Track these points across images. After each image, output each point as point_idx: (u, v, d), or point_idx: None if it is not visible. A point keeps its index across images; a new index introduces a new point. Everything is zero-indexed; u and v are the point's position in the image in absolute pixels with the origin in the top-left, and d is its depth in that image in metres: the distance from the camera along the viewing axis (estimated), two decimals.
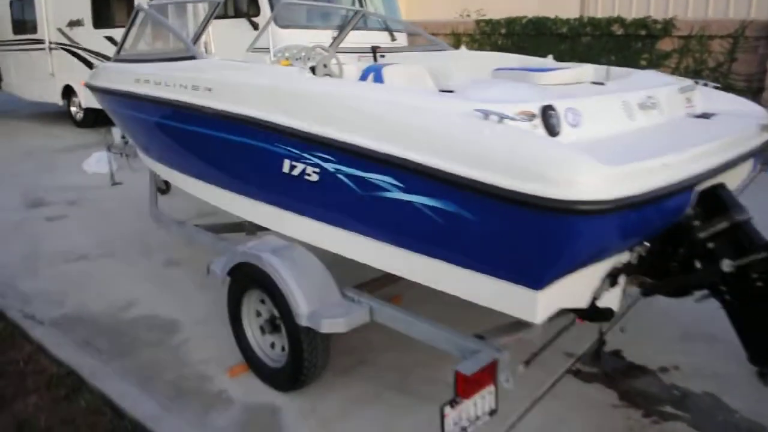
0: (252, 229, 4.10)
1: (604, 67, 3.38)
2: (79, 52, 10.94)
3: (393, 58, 4.90)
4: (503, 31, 10.27)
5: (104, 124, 11.99)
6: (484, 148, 2.00)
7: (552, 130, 2.17)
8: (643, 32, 9.03)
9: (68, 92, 11.59)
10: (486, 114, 2.05)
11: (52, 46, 11.51)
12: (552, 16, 9.89)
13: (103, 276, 4.47)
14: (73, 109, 11.72)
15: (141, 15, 4.01)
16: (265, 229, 3.37)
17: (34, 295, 4.15)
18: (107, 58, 10.40)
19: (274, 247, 2.83)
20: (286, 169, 2.73)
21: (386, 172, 2.27)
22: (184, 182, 3.93)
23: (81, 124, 11.58)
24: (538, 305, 2.09)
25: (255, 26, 7.91)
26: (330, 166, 2.51)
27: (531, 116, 2.15)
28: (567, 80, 2.97)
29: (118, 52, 4.29)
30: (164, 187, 6.66)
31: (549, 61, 4.04)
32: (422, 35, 4.86)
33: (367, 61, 5.11)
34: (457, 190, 2.07)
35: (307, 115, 2.54)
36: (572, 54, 9.39)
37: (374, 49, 4.98)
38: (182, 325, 3.69)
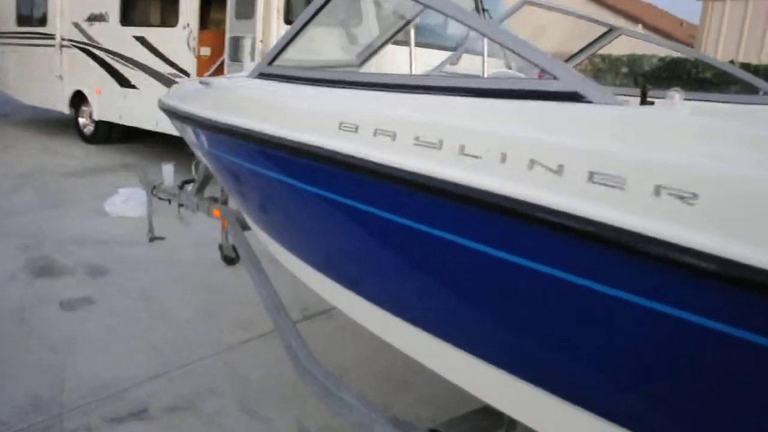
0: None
1: None
2: (98, 53, 8.88)
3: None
4: (625, 69, 8.47)
5: (118, 142, 9.92)
6: None
7: None
8: None
9: (78, 100, 9.51)
10: None
11: (64, 43, 9.44)
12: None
13: None
14: (81, 120, 9.63)
15: None
16: None
17: None
18: (134, 64, 8.39)
19: None
20: None
21: None
22: (400, 336, 1.94)
23: (90, 139, 9.49)
24: None
25: (353, 39, 5.99)
26: None
27: None
28: None
29: (273, 59, 2.25)
30: (233, 255, 4.71)
31: None
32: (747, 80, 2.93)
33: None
34: None
35: None
36: None
37: (644, 90, 3.04)
38: None
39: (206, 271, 4.47)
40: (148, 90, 8.12)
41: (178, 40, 7.60)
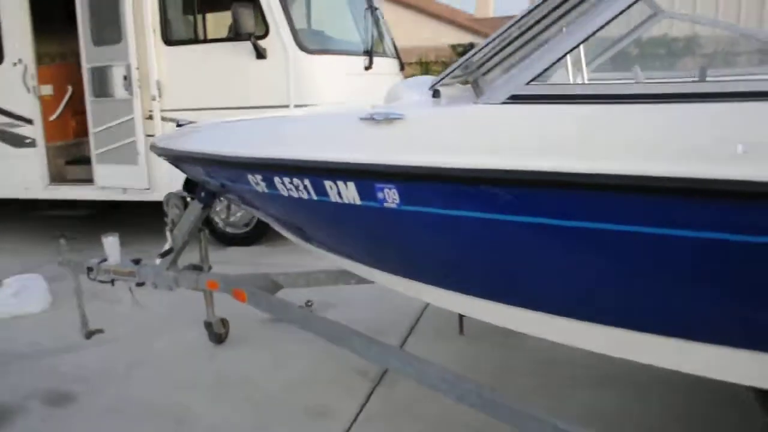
0: None
1: None
2: None
3: None
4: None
5: None
6: None
7: None
8: None
9: None
10: None
11: None
12: None
13: None
14: None
15: None
16: None
17: None
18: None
19: None
20: None
21: None
22: None
23: None
24: None
25: (261, 53, 5.25)
26: None
27: None
28: None
29: (536, 76, 1.66)
30: (222, 330, 3.90)
31: None
32: None
33: None
34: None
35: None
36: None
37: None
38: None
39: (208, 361, 3.56)
40: None
41: (8, 80, 6.05)
